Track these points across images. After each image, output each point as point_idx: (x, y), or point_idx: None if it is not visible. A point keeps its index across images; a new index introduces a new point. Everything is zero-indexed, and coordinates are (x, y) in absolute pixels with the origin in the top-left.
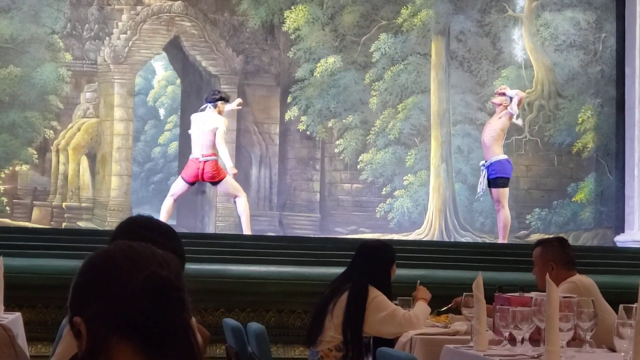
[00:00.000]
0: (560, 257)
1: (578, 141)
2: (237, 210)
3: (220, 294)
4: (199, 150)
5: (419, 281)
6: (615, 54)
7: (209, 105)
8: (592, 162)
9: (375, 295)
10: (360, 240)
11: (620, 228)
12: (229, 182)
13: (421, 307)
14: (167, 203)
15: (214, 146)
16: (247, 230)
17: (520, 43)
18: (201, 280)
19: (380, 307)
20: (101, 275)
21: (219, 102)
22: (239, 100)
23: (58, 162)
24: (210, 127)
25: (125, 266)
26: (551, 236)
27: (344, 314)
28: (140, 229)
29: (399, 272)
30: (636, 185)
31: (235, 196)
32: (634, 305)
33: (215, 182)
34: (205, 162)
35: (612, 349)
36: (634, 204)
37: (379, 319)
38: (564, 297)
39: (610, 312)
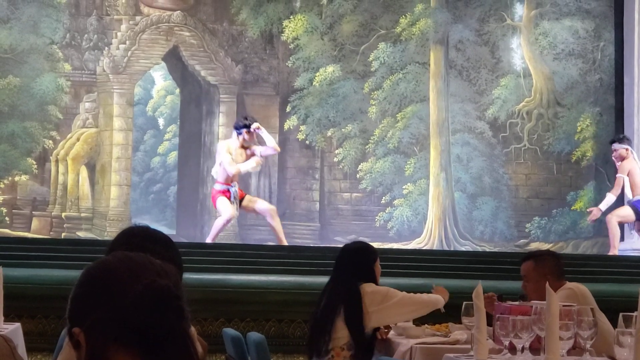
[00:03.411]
0: (555, 269)
1: (577, 150)
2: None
3: (220, 303)
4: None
5: (433, 284)
6: (614, 63)
7: (234, 132)
8: (592, 170)
9: (367, 291)
10: None
11: (619, 237)
12: (219, 205)
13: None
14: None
15: (221, 176)
16: (209, 239)
17: (519, 52)
18: (201, 290)
19: (377, 297)
20: (100, 285)
21: (244, 131)
22: (258, 159)
23: (57, 172)
24: (217, 162)
25: (124, 276)
26: (540, 249)
27: (345, 319)
28: (138, 239)
29: (400, 281)
30: None
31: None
32: (634, 313)
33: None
34: (212, 190)
35: (612, 357)
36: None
37: (382, 309)
38: (564, 305)
39: (604, 319)
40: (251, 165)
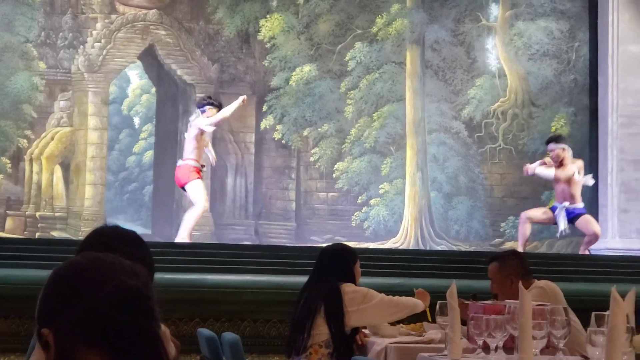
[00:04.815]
0: (519, 269)
1: None
2: (185, 214)
3: (195, 303)
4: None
5: (415, 289)
6: (588, 63)
7: (198, 111)
8: None
9: (348, 290)
10: None
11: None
12: (193, 188)
13: (412, 299)
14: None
15: (192, 151)
16: (179, 237)
17: (494, 52)
18: (176, 290)
19: (357, 297)
20: (69, 286)
21: (207, 107)
22: (243, 97)
23: (32, 171)
24: (189, 132)
25: (93, 277)
26: (505, 249)
27: (325, 316)
28: (108, 239)
29: (376, 281)
30: (609, 193)
31: (195, 203)
32: (606, 313)
33: (183, 188)
34: (178, 167)
35: (584, 356)
36: (608, 211)
37: (361, 309)
38: (537, 305)
39: (574, 317)
40: (236, 104)
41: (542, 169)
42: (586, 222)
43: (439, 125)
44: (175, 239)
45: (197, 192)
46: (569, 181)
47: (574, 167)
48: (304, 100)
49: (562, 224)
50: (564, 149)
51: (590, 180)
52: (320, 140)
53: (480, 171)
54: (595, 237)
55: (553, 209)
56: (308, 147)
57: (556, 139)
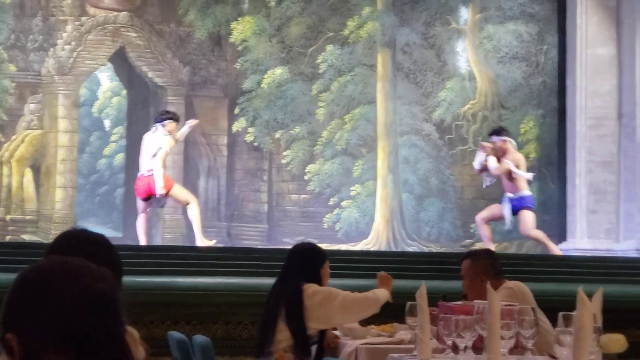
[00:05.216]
0: (490, 268)
1: (521, 151)
2: (189, 217)
3: (167, 306)
4: (144, 167)
5: (377, 274)
6: (556, 66)
7: (158, 125)
8: (535, 171)
9: (308, 292)
10: None
11: (562, 236)
12: (178, 191)
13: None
14: (138, 221)
15: (161, 161)
16: (199, 238)
17: (464, 55)
18: (147, 293)
19: (317, 298)
20: (36, 289)
21: (167, 122)
22: (194, 121)
23: (1, 174)
24: (154, 148)
25: (60, 280)
26: (478, 248)
27: (286, 320)
28: (76, 243)
29: (347, 282)
30: (577, 194)
31: (187, 203)
32: (574, 313)
33: (149, 196)
34: (147, 177)
35: (553, 356)
36: (576, 212)
37: (324, 311)
38: (505, 305)
39: (544, 318)
40: (186, 128)
41: (492, 160)
42: (522, 220)
43: (410, 128)
44: (196, 243)
45: (184, 193)
46: (509, 172)
47: (510, 160)
48: (275, 102)
49: (507, 215)
50: (504, 141)
51: (528, 175)
52: (292, 143)
53: (451, 173)
54: (535, 239)
55: (502, 202)
56: (280, 149)
57: (498, 131)
